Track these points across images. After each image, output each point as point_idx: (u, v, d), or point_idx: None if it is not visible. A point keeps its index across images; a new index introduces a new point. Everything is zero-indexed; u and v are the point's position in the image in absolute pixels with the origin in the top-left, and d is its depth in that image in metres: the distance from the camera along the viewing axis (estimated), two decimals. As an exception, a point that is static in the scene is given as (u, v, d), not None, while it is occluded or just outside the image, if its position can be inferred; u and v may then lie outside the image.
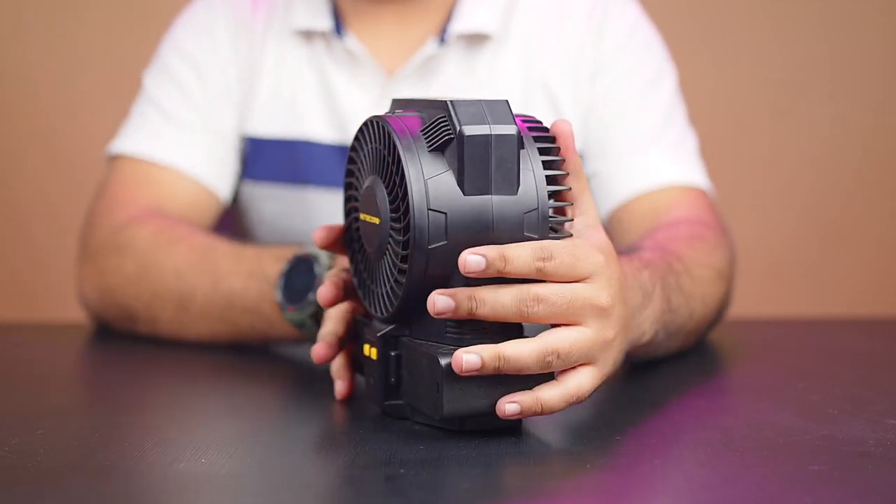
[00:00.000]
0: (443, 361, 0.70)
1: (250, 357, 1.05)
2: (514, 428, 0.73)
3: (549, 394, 0.71)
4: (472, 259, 0.69)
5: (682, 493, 0.64)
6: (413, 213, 0.69)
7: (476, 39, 1.20)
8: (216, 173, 1.20)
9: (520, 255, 0.70)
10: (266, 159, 1.23)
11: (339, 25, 1.21)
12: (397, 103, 0.78)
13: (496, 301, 0.70)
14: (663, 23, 1.26)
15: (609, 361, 0.74)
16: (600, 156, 1.20)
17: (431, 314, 0.69)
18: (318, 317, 0.93)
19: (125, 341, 1.09)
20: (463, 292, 0.70)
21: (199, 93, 1.21)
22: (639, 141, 1.20)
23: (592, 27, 1.22)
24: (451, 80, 1.20)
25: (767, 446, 0.72)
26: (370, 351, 0.76)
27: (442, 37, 1.19)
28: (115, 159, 1.20)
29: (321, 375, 0.95)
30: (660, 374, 0.97)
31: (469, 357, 0.69)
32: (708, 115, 1.25)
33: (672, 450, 0.71)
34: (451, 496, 0.64)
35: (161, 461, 0.71)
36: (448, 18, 1.21)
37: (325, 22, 1.20)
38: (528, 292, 0.70)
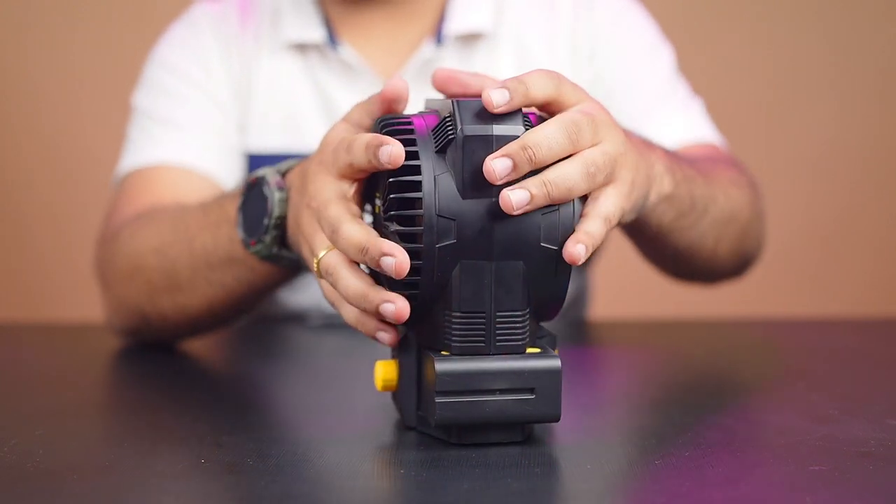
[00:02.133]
0: (438, 367, 0.70)
1: (250, 357, 1.05)
2: (515, 442, 0.73)
3: (593, 226, 0.70)
4: (495, 95, 0.68)
5: (683, 493, 0.64)
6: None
7: (471, 39, 1.20)
8: (220, 167, 1.17)
9: (538, 79, 0.70)
10: None
11: (331, 34, 1.19)
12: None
13: (547, 138, 0.68)
14: (661, 20, 1.26)
15: (627, 179, 0.74)
16: None
17: (493, 182, 0.67)
18: (283, 240, 0.85)
19: (125, 341, 1.09)
20: (515, 144, 0.68)
21: (191, 96, 1.19)
22: (646, 105, 1.19)
23: (581, 14, 1.22)
24: None
25: (768, 446, 0.72)
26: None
27: (438, 38, 1.19)
28: (122, 180, 1.17)
29: (322, 376, 0.95)
30: (660, 373, 0.97)
31: (517, 193, 0.67)
32: (707, 112, 1.24)
33: (673, 450, 0.71)
34: (451, 496, 0.64)
35: (161, 461, 0.71)
36: (441, 18, 1.20)
37: (317, 33, 1.19)
38: (569, 119, 0.69)
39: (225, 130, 1.20)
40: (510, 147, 0.68)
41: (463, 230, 0.69)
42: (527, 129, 0.69)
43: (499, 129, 0.69)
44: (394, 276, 0.68)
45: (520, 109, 0.70)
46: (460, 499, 0.63)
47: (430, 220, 0.69)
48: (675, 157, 0.89)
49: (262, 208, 0.85)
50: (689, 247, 0.99)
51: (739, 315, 1.21)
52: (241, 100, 1.21)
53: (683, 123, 1.19)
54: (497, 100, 0.68)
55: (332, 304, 0.75)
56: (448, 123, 0.69)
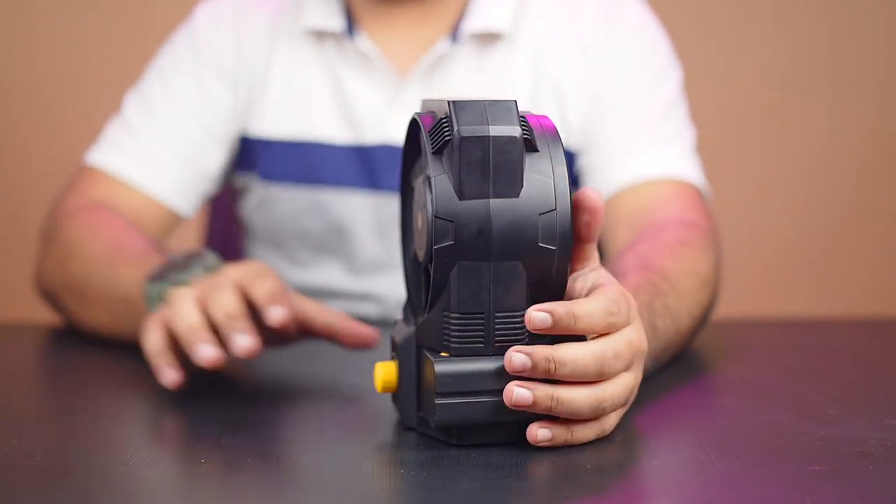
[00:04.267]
0: (437, 368, 0.70)
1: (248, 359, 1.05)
2: (515, 442, 0.73)
3: (583, 432, 0.71)
4: (537, 316, 0.68)
5: (682, 493, 0.64)
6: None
7: (488, 38, 1.21)
8: (178, 193, 1.21)
9: (591, 312, 0.69)
10: (277, 160, 1.23)
11: (351, 25, 1.21)
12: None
13: (575, 361, 0.69)
14: (664, 22, 1.26)
15: (630, 400, 0.75)
16: (594, 145, 1.20)
17: (531, 328, 0.68)
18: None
19: (127, 342, 1.09)
20: (542, 353, 0.68)
21: (171, 117, 1.22)
22: (633, 134, 1.19)
23: (602, 27, 1.22)
24: (463, 79, 1.20)
25: (767, 447, 0.72)
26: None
27: (454, 35, 1.19)
28: (84, 168, 1.23)
29: (322, 376, 0.95)
30: (660, 374, 0.97)
31: (521, 392, 0.68)
32: (709, 116, 1.25)
33: (672, 450, 0.71)
34: (451, 496, 0.64)
35: (161, 461, 0.71)
36: (461, 17, 1.21)
37: (337, 22, 1.20)
38: (608, 352, 0.70)
39: (199, 150, 1.23)
40: (536, 357, 0.68)
41: (461, 231, 0.68)
42: (523, 130, 0.69)
43: (495, 130, 0.68)
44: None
45: (516, 111, 0.70)
46: (460, 499, 0.63)
47: (427, 222, 0.69)
48: (653, 326, 0.87)
49: (182, 265, 0.92)
50: None
51: (740, 315, 1.21)
52: (253, 86, 1.23)
53: (665, 158, 1.18)
54: (536, 323, 0.68)
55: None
56: (444, 125, 0.69)
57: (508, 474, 0.66)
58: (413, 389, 0.73)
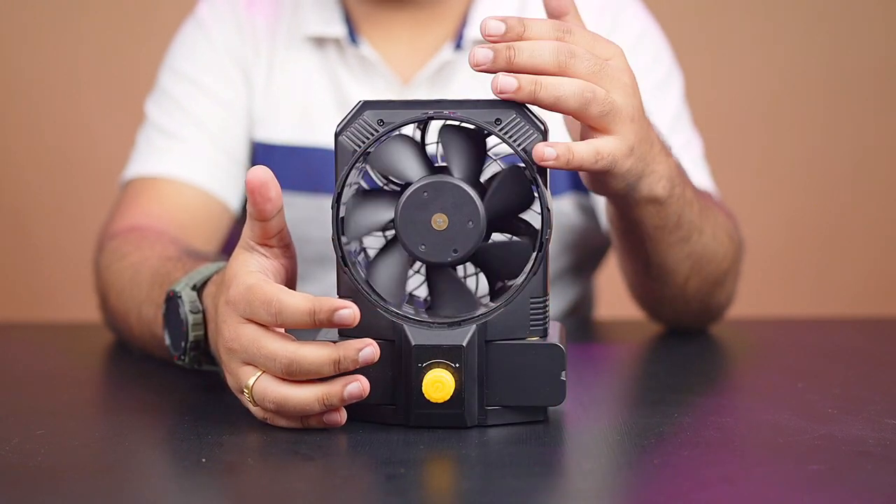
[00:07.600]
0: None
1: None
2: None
3: (580, 146, 0.74)
4: (492, 23, 0.72)
5: (682, 493, 0.64)
6: None
7: None
8: (223, 183, 1.19)
9: (540, 25, 0.73)
10: (277, 166, 1.21)
11: (351, 31, 1.20)
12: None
13: (532, 47, 0.74)
14: (661, 24, 1.26)
15: (629, 138, 0.77)
16: None
17: (471, 65, 0.74)
18: (208, 355, 0.85)
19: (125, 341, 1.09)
20: (503, 45, 0.74)
21: (199, 105, 1.20)
22: None
23: (602, 32, 1.21)
24: (466, 85, 1.19)
25: (767, 446, 0.72)
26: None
27: (458, 42, 1.19)
28: (125, 186, 1.19)
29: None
30: (660, 373, 0.97)
31: (505, 79, 0.73)
32: (707, 116, 1.25)
33: (672, 450, 0.71)
34: (451, 496, 0.64)
35: (161, 461, 0.71)
36: (462, 23, 1.20)
37: (338, 28, 1.19)
38: (565, 47, 0.74)
39: (232, 138, 1.21)
40: (497, 46, 0.73)
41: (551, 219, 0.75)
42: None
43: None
44: (351, 326, 0.70)
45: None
46: (460, 499, 0.63)
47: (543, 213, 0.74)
48: (682, 176, 0.91)
49: (180, 329, 0.85)
50: (661, 266, 1.00)
51: (739, 315, 1.21)
52: (255, 89, 1.21)
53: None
54: (490, 28, 0.75)
55: (266, 421, 0.76)
56: (522, 124, 0.74)
57: (508, 474, 0.66)
58: (476, 387, 0.74)
